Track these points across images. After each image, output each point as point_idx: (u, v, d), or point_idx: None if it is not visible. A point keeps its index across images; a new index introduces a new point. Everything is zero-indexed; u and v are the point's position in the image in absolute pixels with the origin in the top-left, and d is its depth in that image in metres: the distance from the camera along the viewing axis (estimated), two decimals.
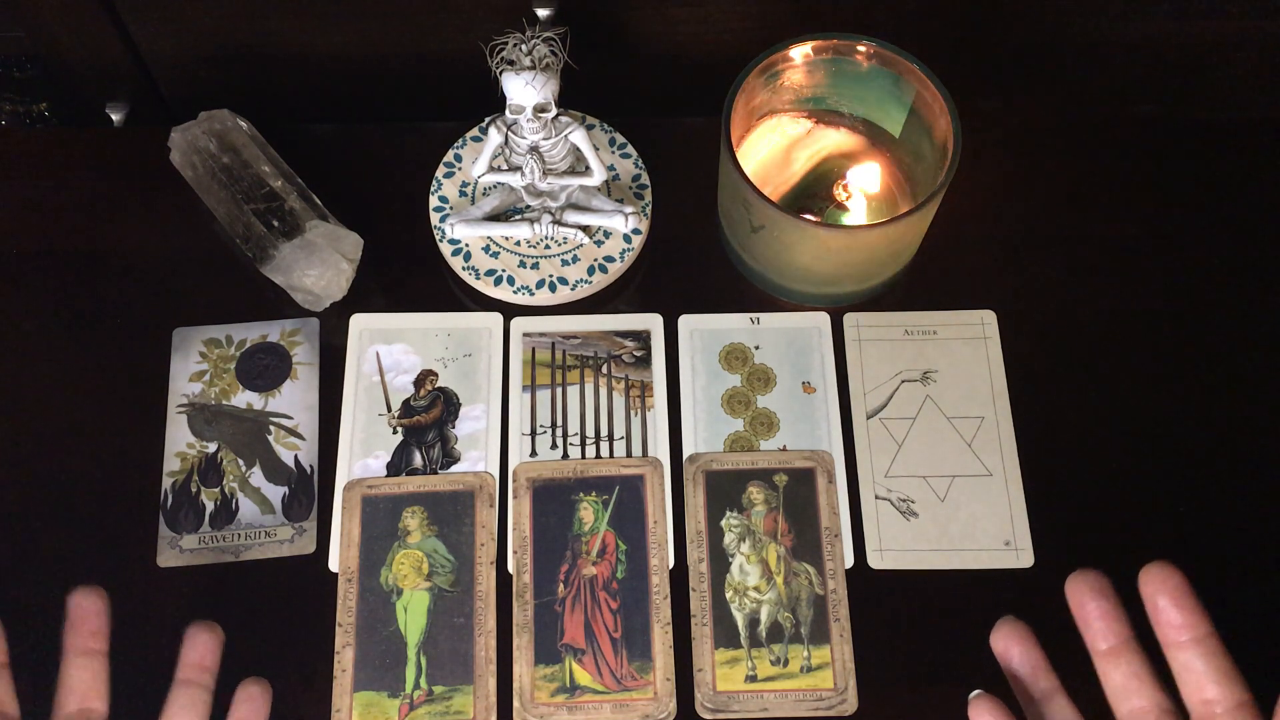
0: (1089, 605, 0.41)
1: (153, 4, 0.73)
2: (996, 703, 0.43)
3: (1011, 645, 0.44)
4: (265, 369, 0.62)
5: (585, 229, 0.64)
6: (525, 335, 0.64)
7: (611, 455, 0.61)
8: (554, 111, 0.59)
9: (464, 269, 0.64)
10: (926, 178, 0.62)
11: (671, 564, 0.58)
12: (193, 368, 0.62)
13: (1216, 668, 0.39)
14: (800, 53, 0.61)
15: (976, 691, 0.44)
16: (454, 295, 0.65)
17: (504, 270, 0.64)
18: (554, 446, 0.61)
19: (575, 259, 0.64)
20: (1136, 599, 0.41)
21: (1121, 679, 0.41)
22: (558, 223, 0.64)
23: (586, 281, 0.64)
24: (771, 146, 0.66)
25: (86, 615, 0.47)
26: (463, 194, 0.66)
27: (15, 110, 0.81)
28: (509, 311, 0.64)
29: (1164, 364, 0.63)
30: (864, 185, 0.65)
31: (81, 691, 0.46)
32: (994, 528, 0.59)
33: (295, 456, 0.60)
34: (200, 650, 0.48)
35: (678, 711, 0.55)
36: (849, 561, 0.58)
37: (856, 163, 0.65)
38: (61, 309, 0.64)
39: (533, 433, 0.61)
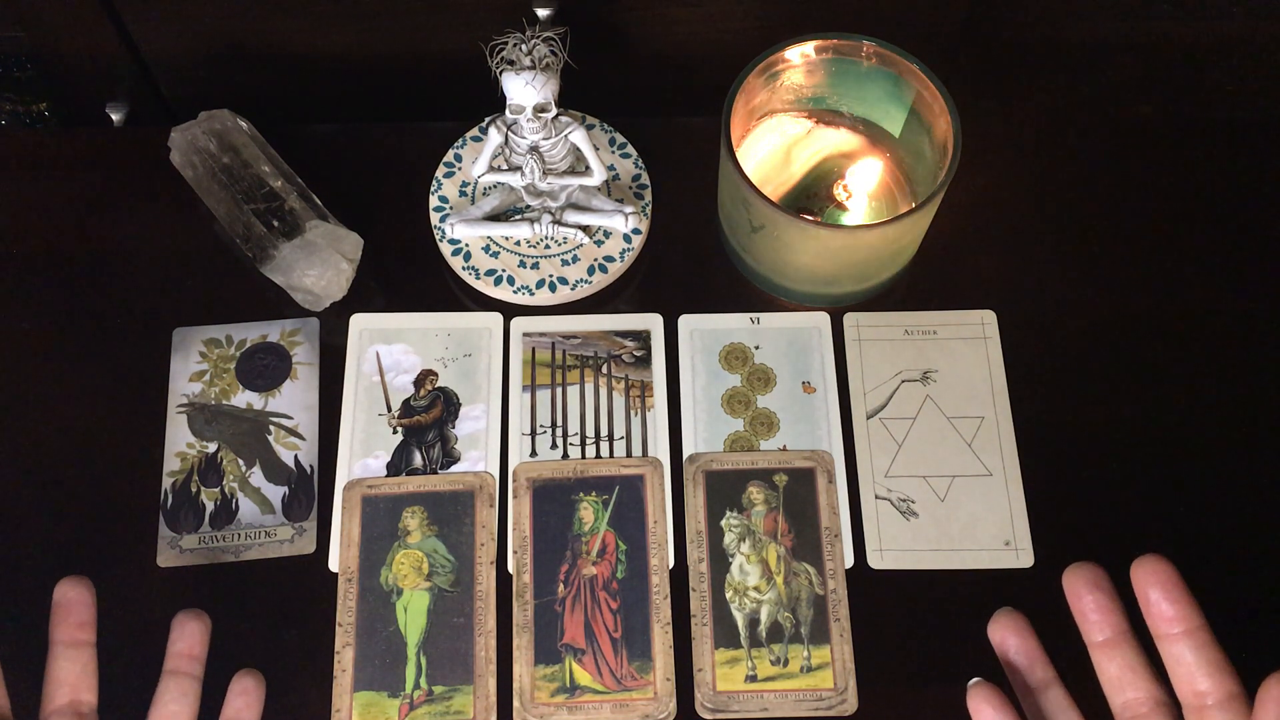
0: (1085, 598, 0.42)
1: (153, 4, 0.73)
2: (994, 690, 0.43)
3: (1009, 636, 0.44)
4: (265, 369, 0.62)
5: (585, 229, 0.64)
6: (525, 335, 0.64)
7: (611, 455, 0.61)
8: (554, 111, 0.59)
9: (464, 269, 0.64)
10: (926, 178, 0.62)
11: (671, 564, 0.58)
12: (193, 368, 0.62)
13: (1208, 659, 0.39)
14: (800, 53, 0.61)
15: (975, 679, 0.44)
16: (454, 295, 0.65)
17: (504, 270, 0.64)
18: (554, 446, 0.61)
19: (575, 259, 0.64)
20: (1132, 593, 0.41)
21: (1117, 671, 0.41)
22: (558, 223, 0.64)
23: (586, 281, 0.64)
24: (771, 146, 0.66)
25: (73, 606, 0.47)
26: (463, 194, 0.66)
27: (15, 110, 0.81)
28: (509, 311, 0.64)
29: (1164, 364, 0.63)
30: (863, 184, 0.65)
31: (70, 683, 0.46)
32: (994, 528, 0.59)
33: (295, 456, 0.60)
34: (189, 639, 0.48)
35: (678, 711, 0.55)
36: (849, 561, 0.58)
37: (856, 162, 0.65)
38: (61, 309, 0.64)
39: (533, 433, 0.61)
